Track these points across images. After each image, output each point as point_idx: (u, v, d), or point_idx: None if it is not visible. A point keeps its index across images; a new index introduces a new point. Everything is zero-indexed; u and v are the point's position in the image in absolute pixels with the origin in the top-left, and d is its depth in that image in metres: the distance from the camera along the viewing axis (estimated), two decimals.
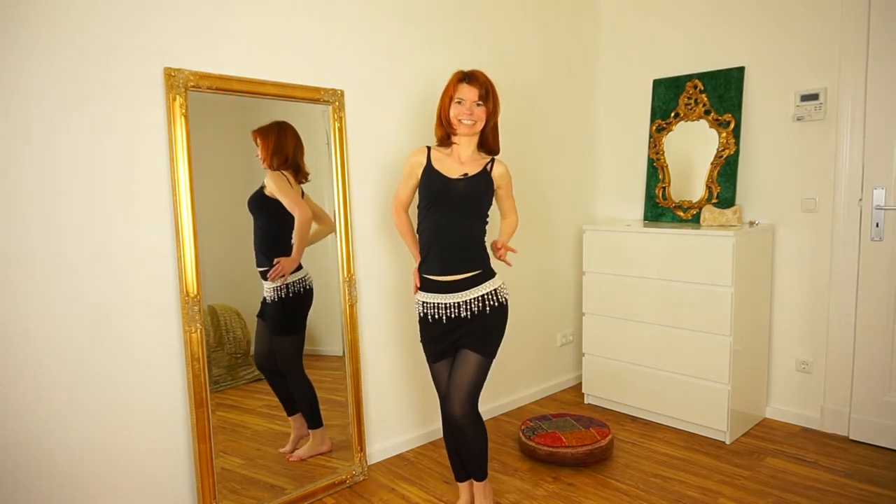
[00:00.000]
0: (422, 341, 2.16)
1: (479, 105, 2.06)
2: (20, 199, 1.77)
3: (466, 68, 2.13)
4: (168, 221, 2.03)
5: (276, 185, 2.30)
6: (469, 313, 2.06)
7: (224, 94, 2.12)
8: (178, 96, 1.99)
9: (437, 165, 2.09)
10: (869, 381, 2.75)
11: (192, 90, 2.03)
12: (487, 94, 2.07)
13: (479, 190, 2.07)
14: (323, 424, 2.49)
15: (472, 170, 2.09)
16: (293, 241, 2.37)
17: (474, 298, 2.06)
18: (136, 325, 1.99)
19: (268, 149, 2.28)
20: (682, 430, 2.97)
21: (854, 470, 2.53)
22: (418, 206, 2.15)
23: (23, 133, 1.76)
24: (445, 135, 2.12)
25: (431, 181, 2.08)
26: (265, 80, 2.22)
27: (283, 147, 2.29)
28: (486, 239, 2.15)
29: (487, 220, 2.14)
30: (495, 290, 2.10)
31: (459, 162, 2.11)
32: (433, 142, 2.18)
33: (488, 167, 2.11)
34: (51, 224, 1.82)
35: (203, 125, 2.07)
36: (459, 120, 2.05)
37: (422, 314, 2.12)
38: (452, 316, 2.06)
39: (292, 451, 2.42)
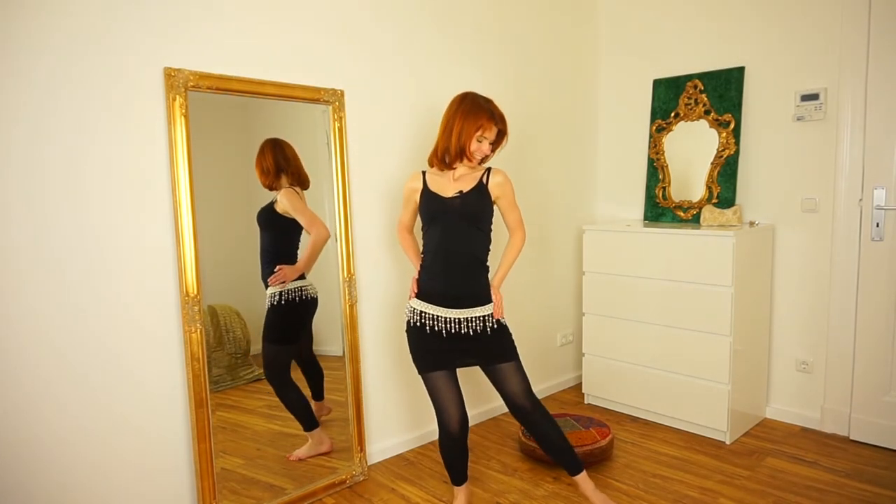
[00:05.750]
0: (414, 349, 2.14)
1: (491, 143, 2.12)
2: (20, 199, 1.77)
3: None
4: (168, 221, 2.03)
5: (290, 204, 2.32)
6: (470, 331, 2.07)
7: (224, 94, 2.12)
8: (178, 96, 1.99)
9: (432, 187, 2.12)
10: (869, 381, 2.75)
11: (192, 90, 2.03)
12: (503, 134, 2.14)
13: (476, 204, 2.08)
14: (319, 425, 2.49)
15: (468, 185, 2.10)
16: (303, 254, 2.39)
17: (475, 318, 2.07)
18: (136, 325, 1.99)
19: (258, 172, 2.30)
20: (682, 430, 2.97)
21: (854, 470, 2.53)
22: (422, 228, 2.17)
23: (23, 133, 1.76)
24: (454, 159, 2.08)
25: (429, 203, 2.11)
26: (265, 80, 2.22)
27: (263, 165, 2.30)
28: (489, 256, 2.16)
29: (490, 234, 2.15)
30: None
31: (453, 179, 2.13)
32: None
33: (484, 179, 2.12)
34: (51, 224, 1.82)
35: (203, 125, 2.07)
36: (476, 156, 2.09)
37: (417, 324, 2.10)
38: (452, 331, 2.06)
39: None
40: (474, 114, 2.05)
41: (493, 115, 2.07)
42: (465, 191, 2.09)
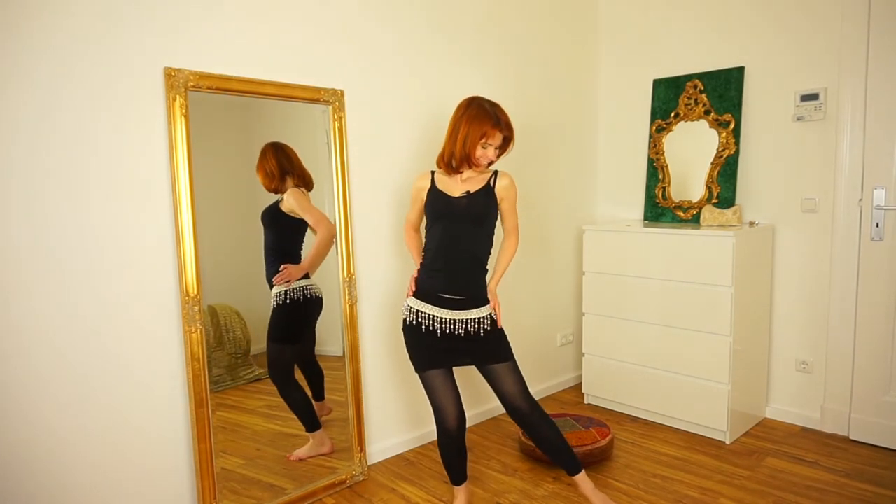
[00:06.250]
0: (411, 348, 2.15)
1: (497, 148, 2.11)
2: (21, 199, 1.77)
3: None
4: (168, 221, 2.03)
5: (297, 203, 2.33)
6: (465, 332, 2.07)
7: (224, 94, 2.12)
8: (178, 96, 1.99)
9: (440, 186, 2.13)
10: (869, 381, 2.75)
11: (192, 90, 2.03)
12: (509, 140, 2.13)
13: (482, 205, 2.09)
14: (321, 426, 2.49)
15: (475, 186, 2.11)
16: (309, 253, 2.39)
17: (471, 319, 2.08)
18: (136, 325, 1.99)
19: (261, 176, 2.30)
20: (682, 430, 2.97)
21: (854, 470, 2.53)
22: (425, 227, 2.17)
23: (24, 132, 1.76)
24: (460, 164, 2.09)
25: (435, 200, 2.11)
26: (265, 80, 2.22)
27: (267, 169, 2.29)
28: (489, 259, 2.16)
29: (493, 237, 2.15)
30: (491, 314, 2.12)
31: (461, 181, 2.13)
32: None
33: (491, 181, 2.13)
34: (51, 224, 1.82)
35: (203, 125, 2.07)
36: (481, 162, 2.09)
37: (413, 322, 2.11)
38: (447, 331, 2.07)
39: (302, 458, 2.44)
40: (479, 120, 2.04)
41: (499, 121, 2.07)
42: (472, 191, 2.10)
